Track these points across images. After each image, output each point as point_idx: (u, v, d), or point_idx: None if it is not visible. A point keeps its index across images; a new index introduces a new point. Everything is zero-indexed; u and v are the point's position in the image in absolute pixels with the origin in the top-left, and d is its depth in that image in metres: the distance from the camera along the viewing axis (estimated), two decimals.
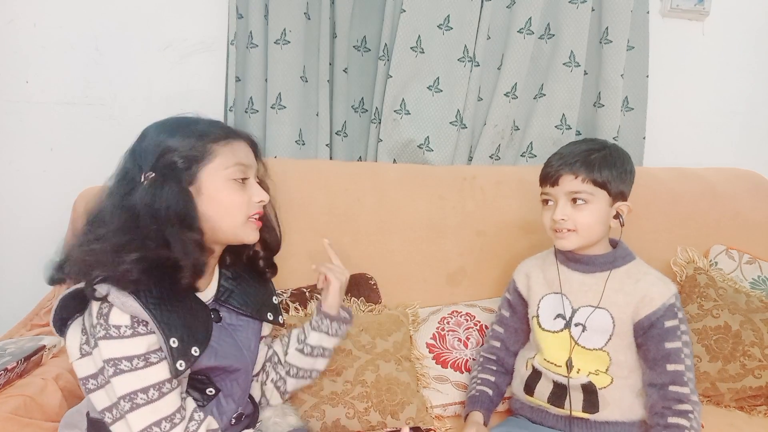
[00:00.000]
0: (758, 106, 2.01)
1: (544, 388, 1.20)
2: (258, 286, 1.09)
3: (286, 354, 1.13)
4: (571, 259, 1.20)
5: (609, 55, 1.75)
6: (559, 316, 1.19)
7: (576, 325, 1.17)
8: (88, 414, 0.96)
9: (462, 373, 1.37)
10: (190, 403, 0.94)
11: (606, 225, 1.16)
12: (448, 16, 1.67)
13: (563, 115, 1.78)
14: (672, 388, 1.09)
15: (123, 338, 0.86)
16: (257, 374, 1.14)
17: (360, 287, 1.44)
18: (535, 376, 1.22)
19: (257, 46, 1.63)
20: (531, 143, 1.80)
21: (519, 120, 1.80)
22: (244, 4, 1.62)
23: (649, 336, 1.12)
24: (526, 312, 1.27)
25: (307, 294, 1.39)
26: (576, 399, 1.16)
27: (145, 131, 0.98)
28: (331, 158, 1.73)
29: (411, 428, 1.22)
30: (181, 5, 1.66)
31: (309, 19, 1.64)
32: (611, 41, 1.75)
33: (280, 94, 1.64)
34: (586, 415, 1.16)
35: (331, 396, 1.22)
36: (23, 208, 1.67)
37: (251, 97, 1.66)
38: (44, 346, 1.18)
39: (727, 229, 1.64)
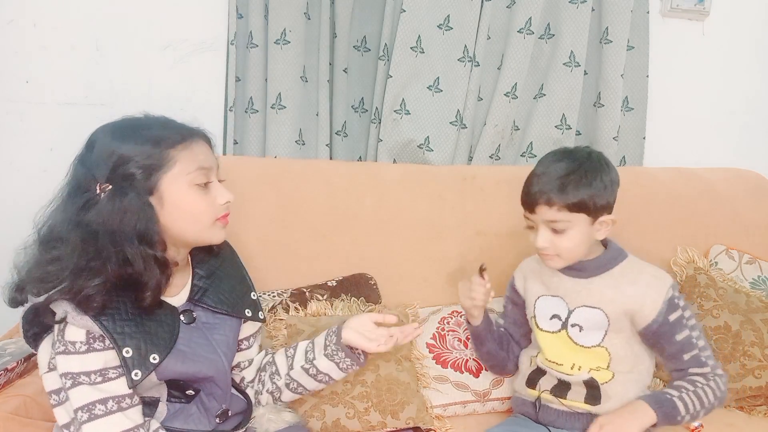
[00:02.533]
0: (758, 107, 2.01)
1: (547, 383, 1.22)
2: (234, 283, 1.06)
3: (290, 368, 1.11)
4: (565, 266, 1.20)
5: (609, 55, 1.76)
6: (555, 316, 1.20)
7: (573, 325, 1.18)
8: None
9: (462, 373, 1.37)
10: (154, 424, 0.92)
11: (589, 242, 1.15)
12: (448, 16, 1.67)
13: (563, 115, 1.78)
14: (692, 370, 1.14)
15: (78, 354, 0.85)
16: (252, 380, 1.13)
17: (360, 287, 1.44)
18: (539, 372, 1.23)
19: (257, 46, 1.63)
20: (531, 143, 1.80)
21: (519, 120, 1.80)
22: (244, 4, 1.62)
23: (659, 336, 1.14)
24: (524, 307, 1.29)
25: (307, 294, 1.39)
26: (578, 392, 1.18)
27: (93, 137, 0.94)
28: (331, 158, 1.73)
29: (411, 428, 1.23)
30: (181, 5, 1.66)
31: (309, 19, 1.65)
32: (611, 41, 1.75)
33: (280, 94, 1.64)
34: (587, 407, 1.17)
35: (331, 396, 1.22)
36: (23, 208, 1.67)
37: (251, 97, 1.66)
38: None
39: (727, 229, 1.64)
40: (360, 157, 1.79)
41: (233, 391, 1.08)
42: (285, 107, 1.64)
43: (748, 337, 1.38)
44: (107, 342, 0.85)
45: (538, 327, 1.23)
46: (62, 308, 0.85)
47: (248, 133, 1.68)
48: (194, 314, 0.99)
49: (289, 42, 1.61)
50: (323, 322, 1.32)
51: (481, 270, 1.21)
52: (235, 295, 1.05)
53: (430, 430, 1.25)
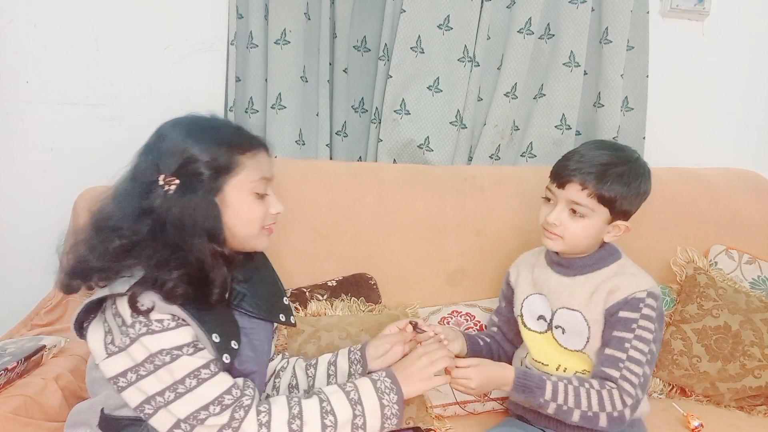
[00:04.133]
0: (758, 106, 2.01)
1: None
2: (269, 288, 1.08)
3: (311, 386, 1.11)
4: (554, 261, 1.20)
5: (609, 55, 1.75)
6: (541, 317, 1.21)
7: (556, 327, 1.18)
8: (102, 410, 0.94)
9: None
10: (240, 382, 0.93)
11: (595, 240, 1.14)
12: (448, 16, 1.67)
13: (563, 115, 1.78)
14: (603, 369, 1.07)
15: (168, 330, 0.86)
16: (268, 380, 1.13)
17: (360, 287, 1.44)
18: None
19: (257, 46, 1.63)
20: (531, 143, 1.80)
21: (519, 120, 1.80)
22: (244, 4, 1.62)
23: (607, 323, 1.11)
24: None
25: (307, 294, 1.39)
26: None
27: (164, 131, 0.95)
28: (331, 158, 1.73)
29: (411, 428, 1.23)
30: (181, 5, 1.66)
31: (309, 19, 1.65)
32: (611, 41, 1.75)
33: (280, 94, 1.64)
34: None
35: None
36: (24, 208, 1.67)
37: (251, 97, 1.66)
38: (44, 346, 1.18)
39: (727, 229, 1.64)
40: (360, 157, 1.79)
41: None
42: (285, 107, 1.64)
43: (748, 337, 1.38)
44: (188, 322, 0.87)
45: (525, 326, 1.24)
46: (149, 299, 0.85)
47: None
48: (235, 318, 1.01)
49: (289, 42, 1.61)
50: (323, 322, 1.33)
51: (414, 327, 1.13)
52: (270, 300, 1.06)
53: (430, 430, 1.25)
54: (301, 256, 1.44)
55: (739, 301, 1.44)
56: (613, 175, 1.08)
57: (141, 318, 0.85)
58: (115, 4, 1.63)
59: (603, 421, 1.05)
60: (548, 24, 1.76)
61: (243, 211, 0.94)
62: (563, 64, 1.75)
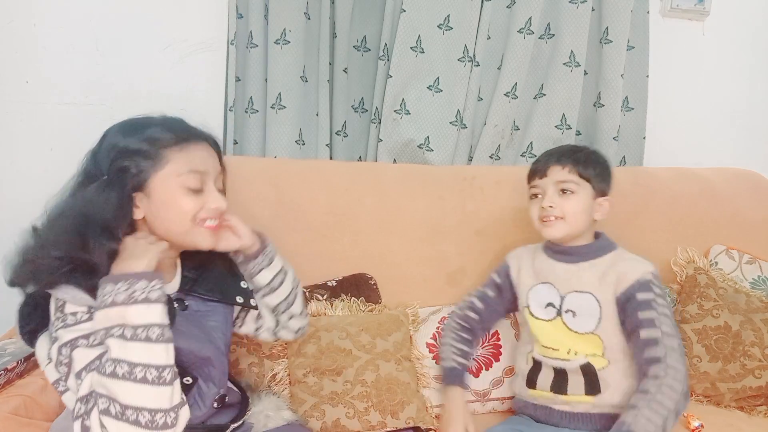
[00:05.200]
0: (758, 106, 2.01)
1: (545, 378, 1.22)
2: (224, 272, 1.08)
3: (260, 316, 1.15)
4: (557, 251, 1.26)
5: (609, 55, 1.76)
6: (549, 305, 1.24)
7: (566, 311, 1.21)
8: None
9: None
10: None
11: (590, 216, 1.23)
12: (448, 16, 1.67)
13: (563, 115, 1.78)
14: (647, 352, 1.11)
15: (81, 323, 0.86)
16: (276, 326, 1.17)
17: (360, 287, 1.44)
18: (536, 368, 1.24)
19: (257, 46, 1.63)
20: (531, 143, 1.80)
21: (519, 120, 1.80)
22: (244, 4, 1.62)
23: (626, 310, 1.17)
24: (512, 298, 1.31)
25: (306, 294, 1.39)
26: (577, 383, 1.18)
27: (106, 132, 0.98)
28: (331, 158, 1.73)
29: (411, 428, 1.23)
30: (181, 5, 1.66)
31: (309, 19, 1.65)
32: (611, 41, 1.75)
33: (280, 94, 1.64)
34: (589, 400, 1.17)
35: (331, 396, 1.22)
36: (23, 208, 1.67)
37: (251, 97, 1.66)
38: None
39: (727, 229, 1.64)
40: (360, 157, 1.79)
41: (230, 384, 1.09)
42: (285, 107, 1.64)
43: (748, 337, 1.38)
44: None
45: (532, 316, 1.25)
46: (62, 292, 0.87)
47: (248, 133, 1.68)
48: (186, 303, 1.01)
49: (289, 42, 1.61)
50: (323, 322, 1.33)
51: None
52: (226, 284, 1.07)
53: (431, 430, 1.25)
54: (301, 256, 1.44)
55: (740, 301, 1.44)
56: (584, 154, 1.24)
57: (58, 314, 0.87)
58: (115, 4, 1.63)
59: (683, 405, 1.08)
60: (548, 24, 1.76)
61: (169, 205, 0.93)
62: (563, 63, 1.75)
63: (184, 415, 0.86)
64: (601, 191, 1.24)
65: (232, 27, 1.63)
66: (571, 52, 1.74)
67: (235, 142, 1.68)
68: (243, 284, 1.10)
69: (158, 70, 1.68)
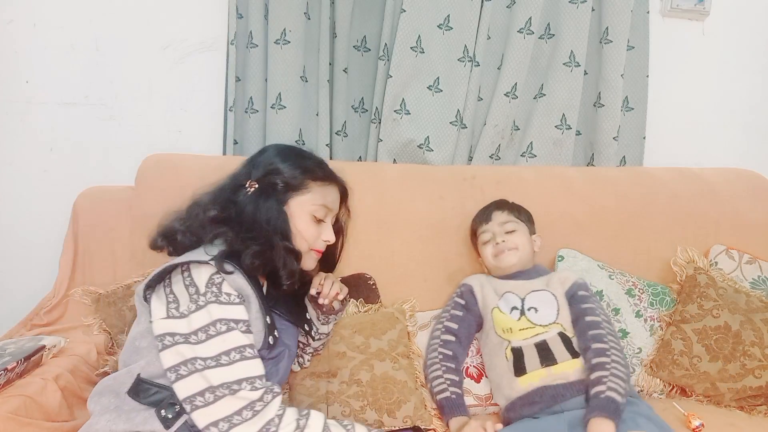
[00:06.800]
0: (758, 106, 2.01)
1: (532, 358, 1.25)
2: (296, 300, 1.21)
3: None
4: (507, 277, 1.41)
5: (609, 55, 1.76)
6: (513, 308, 1.34)
7: (529, 309, 1.33)
8: (139, 375, 0.98)
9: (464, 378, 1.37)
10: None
11: (531, 248, 1.44)
12: (448, 16, 1.67)
13: (563, 115, 1.78)
14: (591, 332, 1.26)
15: (233, 305, 0.96)
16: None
17: (359, 287, 1.44)
18: (519, 355, 1.27)
19: (257, 46, 1.63)
20: (531, 143, 1.80)
21: (519, 120, 1.80)
22: (244, 4, 1.62)
23: (571, 304, 1.33)
24: (479, 313, 1.39)
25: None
26: (560, 349, 1.26)
27: (266, 147, 1.19)
28: (331, 158, 1.73)
29: (411, 428, 1.22)
30: (181, 5, 1.67)
31: (309, 19, 1.65)
32: (611, 41, 1.75)
33: (280, 94, 1.64)
34: (577, 363, 1.23)
35: (327, 395, 1.22)
36: (23, 208, 1.68)
37: (251, 97, 1.66)
38: (44, 346, 1.18)
39: (727, 229, 1.64)
40: (360, 157, 1.79)
41: None
42: (285, 107, 1.64)
43: (748, 337, 1.38)
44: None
45: (501, 312, 1.34)
46: (230, 266, 0.98)
47: (248, 133, 1.68)
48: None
49: (289, 42, 1.61)
50: None
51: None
52: (296, 311, 1.20)
53: (430, 429, 1.25)
54: None
55: (740, 301, 1.44)
56: (512, 204, 1.48)
57: (213, 288, 0.96)
58: (115, 4, 1.64)
59: (627, 368, 1.22)
60: (548, 24, 1.76)
61: (299, 226, 1.10)
62: (563, 63, 1.75)
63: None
64: (532, 231, 1.47)
65: (232, 27, 1.63)
66: (571, 52, 1.74)
67: (235, 142, 1.68)
68: (307, 315, 1.23)
69: (158, 70, 1.68)
